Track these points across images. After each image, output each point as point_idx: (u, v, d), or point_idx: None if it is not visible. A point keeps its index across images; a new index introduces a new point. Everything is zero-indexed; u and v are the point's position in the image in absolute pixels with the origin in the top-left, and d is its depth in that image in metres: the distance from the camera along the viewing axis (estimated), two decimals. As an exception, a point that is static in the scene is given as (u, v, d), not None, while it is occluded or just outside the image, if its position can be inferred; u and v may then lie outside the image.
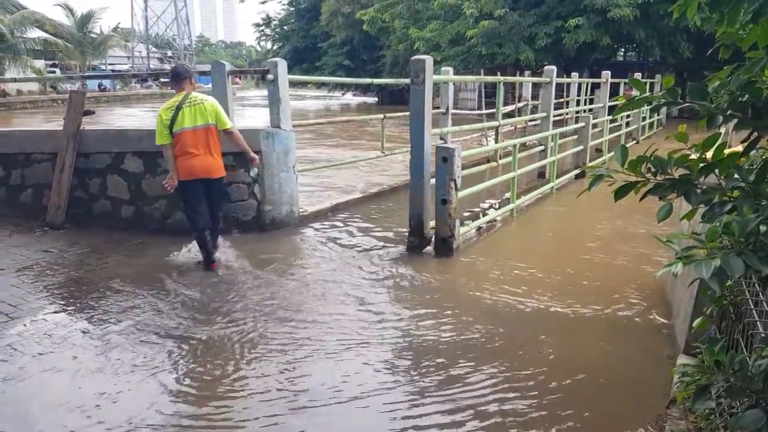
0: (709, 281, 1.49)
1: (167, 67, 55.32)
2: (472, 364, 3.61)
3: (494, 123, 9.68)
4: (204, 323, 4.21)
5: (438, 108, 10.26)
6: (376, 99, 43.77)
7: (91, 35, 45.52)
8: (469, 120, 14.09)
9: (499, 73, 16.23)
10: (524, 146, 9.68)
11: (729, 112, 1.77)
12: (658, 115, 19.03)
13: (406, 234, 6.14)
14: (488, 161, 9.99)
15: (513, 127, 14.29)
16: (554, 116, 10.56)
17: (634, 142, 15.37)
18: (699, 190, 1.77)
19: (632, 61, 31.43)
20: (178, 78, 5.36)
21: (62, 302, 4.65)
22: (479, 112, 16.25)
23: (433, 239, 5.97)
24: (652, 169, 1.78)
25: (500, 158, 9.52)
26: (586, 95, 17.56)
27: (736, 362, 1.69)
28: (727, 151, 1.77)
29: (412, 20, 30.21)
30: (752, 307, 2.00)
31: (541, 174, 9.82)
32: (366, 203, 8.31)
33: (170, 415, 3.06)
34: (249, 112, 29.87)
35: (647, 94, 1.86)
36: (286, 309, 4.47)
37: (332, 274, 5.30)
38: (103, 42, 47.11)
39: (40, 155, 6.88)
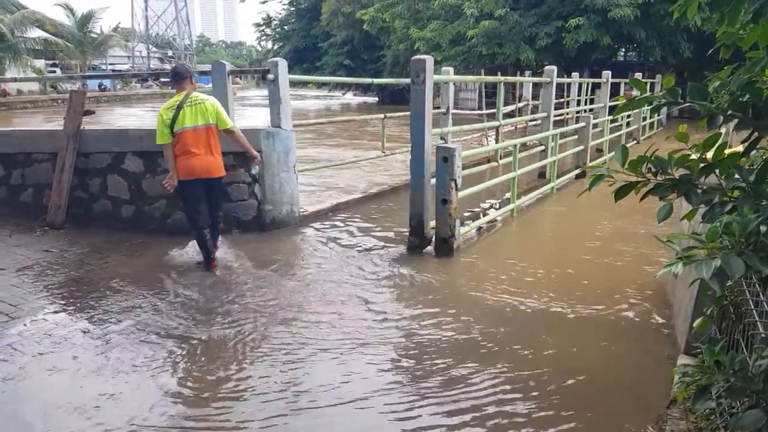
0: (709, 281, 1.49)
1: (168, 66, 55.35)
2: (473, 364, 3.61)
3: (495, 123, 9.68)
4: (204, 323, 4.21)
5: (438, 108, 10.27)
6: (377, 99, 43.76)
7: (92, 35, 45.50)
8: (469, 120, 14.09)
9: (499, 73, 16.22)
10: (525, 146, 9.68)
11: (729, 112, 1.77)
12: (659, 115, 19.03)
13: (407, 234, 6.15)
14: (489, 161, 10.00)
15: (513, 127, 14.29)
16: (555, 116, 10.55)
17: (635, 142, 15.36)
18: (699, 191, 1.77)
19: (633, 61, 31.40)
20: (179, 78, 5.36)
21: (62, 302, 4.65)
22: (480, 112, 16.25)
23: (433, 239, 5.97)
24: (653, 169, 1.78)
25: (501, 158, 9.52)
26: (586, 95, 17.55)
27: (737, 362, 1.69)
28: (727, 152, 1.77)
29: (413, 20, 30.21)
30: (752, 307, 2.00)
31: (541, 174, 9.82)
32: (366, 203, 8.31)
33: (171, 416, 3.06)
34: (249, 112, 29.88)
35: (648, 94, 1.86)
36: (287, 309, 4.47)
37: (333, 274, 5.30)
38: (104, 42, 47.10)
39: (41, 155, 6.88)
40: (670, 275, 1.64)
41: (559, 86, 13.12)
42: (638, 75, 16.44)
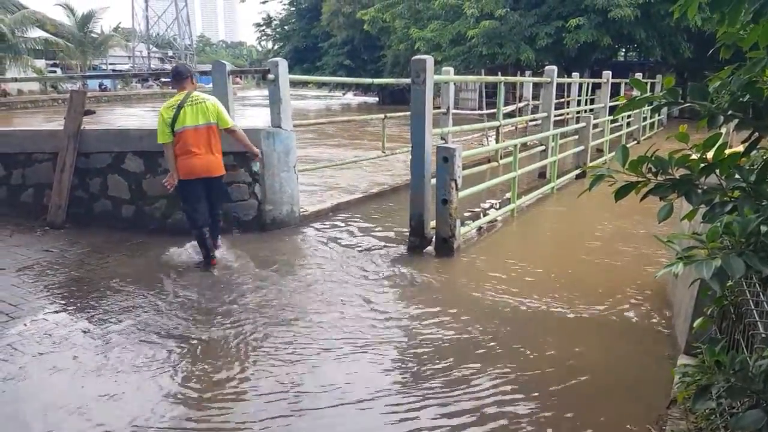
0: (709, 281, 1.49)
1: (168, 66, 55.37)
2: (474, 364, 3.61)
3: (495, 123, 9.68)
4: (205, 323, 4.21)
5: (439, 108, 10.27)
6: (377, 99, 43.75)
7: (92, 35, 45.52)
8: (469, 120, 14.09)
9: (499, 73, 16.22)
10: (525, 146, 9.68)
11: (730, 112, 1.77)
12: (659, 115, 19.03)
13: (407, 234, 6.15)
14: (489, 161, 10.00)
15: (514, 127, 14.29)
16: (555, 116, 10.55)
17: (635, 142, 15.36)
18: (700, 191, 1.77)
19: (633, 61, 31.40)
20: (180, 77, 5.38)
21: (63, 302, 4.65)
22: (480, 112, 16.25)
23: (433, 239, 5.97)
24: (653, 170, 1.78)
25: (501, 158, 9.52)
26: (586, 95, 17.56)
27: (737, 363, 1.69)
28: (728, 152, 1.77)
29: (413, 20, 30.21)
30: (753, 307, 2.00)
31: (541, 174, 9.82)
32: (367, 203, 8.31)
33: (172, 417, 3.05)
34: (250, 112, 29.89)
35: (648, 94, 1.86)
36: (288, 309, 4.48)
37: (333, 274, 5.30)
38: (104, 42, 47.12)
39: (41, 155, 6.89)
40: (671, 275, 1.64)
41: (560, 86, 13.13)
42: (638, 75, 16.43)
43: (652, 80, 18.41)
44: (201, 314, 4.37)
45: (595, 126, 11.71)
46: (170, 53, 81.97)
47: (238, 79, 57.74)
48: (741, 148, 1.85)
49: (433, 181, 5.96)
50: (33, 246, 6.03)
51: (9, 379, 3.44)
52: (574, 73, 18.17)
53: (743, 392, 1.68)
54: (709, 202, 1.77)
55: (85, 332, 4.06)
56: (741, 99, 1.77)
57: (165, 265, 5.45)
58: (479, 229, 6.80)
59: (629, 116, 15.68)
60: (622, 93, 17.40)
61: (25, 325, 4.18)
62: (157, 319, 4.26)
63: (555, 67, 10.21)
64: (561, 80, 12.95)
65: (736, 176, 1.74)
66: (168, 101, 5.30)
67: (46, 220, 6.65)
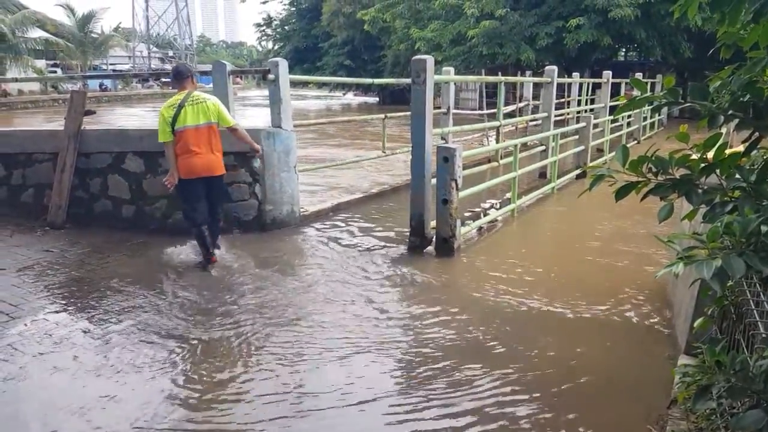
0: (710, 281, 1.49)
1: (168, 67, 55.33)
2: (475, 365, 3.60)
3: (495, 123, 9.68)
4: (206, 324, 4.21)
5: (439, 108, 10.27)
6: (377, 99, 43.75)
7: (93, 35, 45.56)
8: (470, 120, 14.10)
9: (500, 73, 16.23)
10: (525, 146, 9.68)
11: (730, 112, 1.76)
12: (659, 115, 19.03)
13: (407, 234, 6.14)
14: (489, 161, 9.99)
15: (514, 127, 14.29)
16: (555, 116, 10.55)
17: (635, 142, 15.36)
18: (700, 191, 1.76)
19: (633, 61, 31.39)
20: (180, 77, 5.39)
21: (63, 302, 4.65)
22: (480, 112, 16.26)
23: (434, 239, 5.97)
24: (653, 170, 1.78)
25: (501, 158, 9.52)
26: (587, 95, 17.56)
27: (737, 363, 1.69)
28: (728, 152, 1.77)
29: (413, 20, 30.21)
30: (753, 307, 2.00)
31: (542, 174, 9.82)
32: (367, 203, 8.31)
33: (173, 419, 3.05)
34: (250, 112, 29.89)
35: (648, 94, 1.86)
36: (289, 309, 4.47)
37: (334, 274, 5.30)
38: (105, 42, 47.16)
39: (42, 155, 6.89)
40: (671, 275, 1.64)
41: (560, 86, 13.14)
42: (639, 75, 16.43)
43: (652, 80, 18.42)
44: (201, 314, 4.37)
45: (596, 126, 11.71)
46: (171, 53, 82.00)
47: (238, 79, 57.77)
48: (741, 148, 1.85)
49: (434, 181, 5.96)
50: (33, 246, 6.04)
51: (9, 379, 3.44)
52: (574, 73, 18.17)
53: (744, 392, 1.68)
54: (710, 202, 1.77)
55: (85, 332, 4.06)
56: (741, 99, 1.77)
57: (165, 265, 5.45)
58: (479, 229, 6.80)
59: (629, 116, 15.68)
60: (622, 93, 17.39)
61: (26, 325, 4.18)
62: (158, 320, 4.26)
63: (555, 67, 10.21)
64: (561, 80, 12.95)
65: (737, 176, 1.74)
66: (169, 100, 5.31)
67: (47, 220, 6.65)
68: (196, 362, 3.65)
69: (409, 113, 6.17)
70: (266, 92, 6.93)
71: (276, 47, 49.51)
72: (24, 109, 32.95)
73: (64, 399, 3.22)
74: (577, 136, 11.07)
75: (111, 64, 57.23)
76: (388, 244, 6.21)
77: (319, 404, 3.17)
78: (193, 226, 5.34)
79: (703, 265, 1.51)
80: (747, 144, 1.84)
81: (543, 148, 9.64)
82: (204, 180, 5.31)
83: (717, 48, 2.10)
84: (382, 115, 9.19)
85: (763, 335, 1.83)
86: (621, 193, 1.81)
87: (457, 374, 3.49)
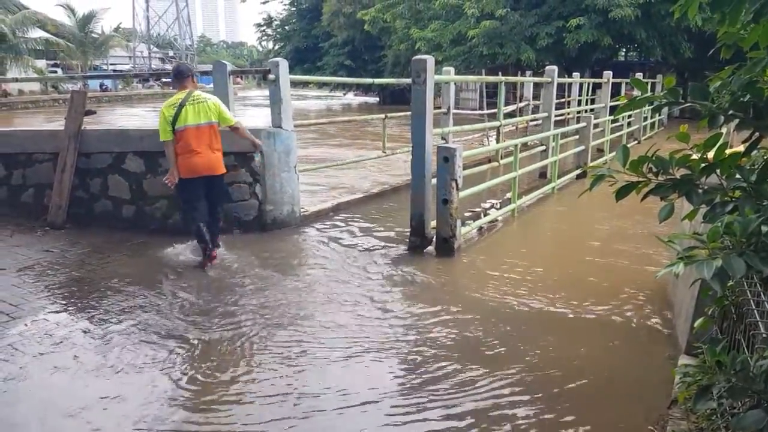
0: (710, 281, 1.49)
1: (169, 67, 55.33)
2: (476, 365, 3.60)
3: (496, 123, 9.68)
4: (206, 324, 4.21)
5: (439, 108, 10.27)
6: (378, 99, 43.75)
7: (93, 35, 45.59)
8: (470, 120, 14.09)
9: (500, 73, 16.23)
10: (526, 146, 9.68)
11: (730, 112, 1.76)
12: (660, 115, 19.03)
13: (408, 234, 6.14)
14: (489, 161, 9.98)
15: (514, 127, 14.29)
16: (556, 116, 10.56)
17: (636, 142, 15.36)
18: (700, 191, 1.76)
19: (633, 61, 31.38)
20: (181, 76, 5.41)
21: (63, 302, 4.65)
22: (481, 112, 16.27)
23: (434, 239, 5.97)
24: (654, 170, 1.78)
25: (501, 158, 9.51)
26: (587, 95, 17.55)
27: (738, 363, 1.69)
28: (728, 152, 1.77)
29: (414, 20, 30.21)
30: (754, 307, 2.00)
31: (542, 174, 9.82)
32: (368, 203, 8.31)
33: (174, 420, 3.04)
34: (251, 112, 29.89)
35: (649, 94, 1.86)
36: (289, 310, 4.47)
37: (334, 274, 5.31)
38: (105, 42, 47.19)
39: (42, 155, 6.89)
40: (671, 275, 1.64)
41: (560, 86, 13.13)
42: (639, 75, 16.43)
43: (652, 80, 18.42)
44: (202, 315, 4.37)
45: (596, 126, 11.70)
46: (171, 53, 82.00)
47: (238, 79, 57.78)
48: (742, 148, 1.85)
49: (434, 181, 5.96)
50: (33, 246, 6.04)
51: (10, 379, 3.44)
52: (574, 73, 18.17)
53: (744, 392, 1.68)
54: (710, 202, 1.76)
55: (85, 332, 4.06)
56: (741, 99, 1.77)
57: (166, 265, 5.45)
58: (480, 229, 6.80)
59: (630, 116, 15.68)
60: (622, 93, 17.40)
61: (26, 325, 4.18)
62: (158, 320, 4.26)
63: (555, 67, 10.21)
64: (561, 80, 12.95)
65: (737, 176, 1.73)
66: (169, 99, 5.33)
67: (47, 220, 6.66)
68: (197, 362, 3.64)
69: (409, 113, 6.17)
70: (267, 92, 6.93)
71: (276, 47, 49.49)
72: (24, 109, 32.97)
73: (65, 399, 3.22)
74: (577, 136, 11.07)
75: (111, 65, 57.22)
76: (388, 244, 6.21)
77: (321, 405, 3.16)
78: (192, 224, 5.35)
79: (703, 265, 1.51)
80: (747, 144, 1.84)
81: (543, 148, 9.64)
82: (204, 179, 5.32)
83: (717, 48, 2.10)
84: (383, 115, 9.19)
85: (764, 335, 1.83)
86: (621, 193, 1.81)
87: (458, 374, 3.49)
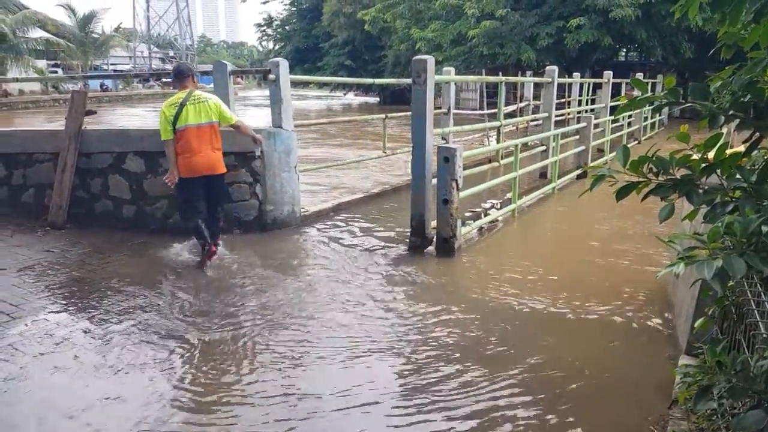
0: (710, 282, 1.49)
1: (169, 67, 55.34)
2: (477, 365, 3.60)
3: (496, 123, 9.68)
4: (207, 324, 4.21)
5: (440, 108, 10.27)
6: (378, 99, 43.75)
7: (93, 35, 45.61)
8: (470, 120, 14.09)
9: (500, 73, 16.23)
10: (526, 146, 9.67)
11: (731, 112, 1.76)
12: (660, 115, 19.01)
13: (408, 234, 6.14)
14: (490, 161, 9.98)
15: (515, 127, 14.28)
16: (556, 116, 10.56)
17: (636, 142, 15.35)
18: (701, 191, 1.76)
19: (634, 61, 31.39)
20: (181, 76, 5.43)
21: (64, 302, 4.65)
22: (481, 112, 16.26)
23: (434, 239, 5.97)
24: (654, 170, 1.78)
25: (502, 158, 9.51)
26: (587, 95, 17.55)
27: (738, 363, 1.69)
28: (729, 152, 1.77)
29: (414, 20, 30.22)
30: (754, 307, 2.00)
31: (542, 174, 9.82)
32: (368, 203, 8.31)
33: (176, 421, 3.04)
34: (251, 112, 29.89)
35: (649, 94, 1.86)
36: (290, 310, 4.47)
37: (334, 274, 5.31)
38: (105, 42, 47.21)
39: (42, 155, 6.89)
40: (672, 275, 1.64)
41: (561, 86, 13.12)
42: (639, 75, 16.42)
43: (653, 80, 18.44)
44: (202, 315, 4.37)
45: (596, 126, 11.70)
46: (171, 53, 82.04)
47: (239, 79, 57.79)
48: (742, 148, 1.85)
49: (434, 181, 5.96)
50: (34, 246, 6.04)
51: (10, 379, 3.44)
52: (575, 73, 18.16)
53: (745, 393, 1.68)
54: (711, 202, 1.76)
55: (86, 332, 4.06)
56: (742, 99, 1.77)
57: (166, 265, 5.45)
58: (480, 229, 6.80)
59: (630, 116, 15.68)
60: (623, 93, 17.39)
61: (26, 325, 4.18)
62: (158, 320, 4.26)
63: (556, 67, 10.22)
64: (562, 80, 12.95)
65: (737, 176, 1.73)
66: (170, 99, 5.35)
67: (47, 220, 6.66)
68: (197, 363, 3.64)
69: (409, 113, 6.17)
70: (267, 92, 6.93)
71: (277, 47, 49.51)
72: (25, 109, 32.98)
73: (65, 399, 3.22)
74: (577, 136, 11.06)
75: (112, 65, 57.24)
76: (388, 244, 6.21)
77: (323, 406, 3.16)
78: (190, 221, 5.36)
79: (703, 266, 1.51)
80: (748, 144, 1.84)
81: (544, 148, 9.63)
82: (204, 179, 5.33)
83: (718, 48, 2.10)
84: (383, 115, 9.19)
85: (764, 335, 1.83)
86: (622, 193, 1.81)
87: (459, 375, 3.49)
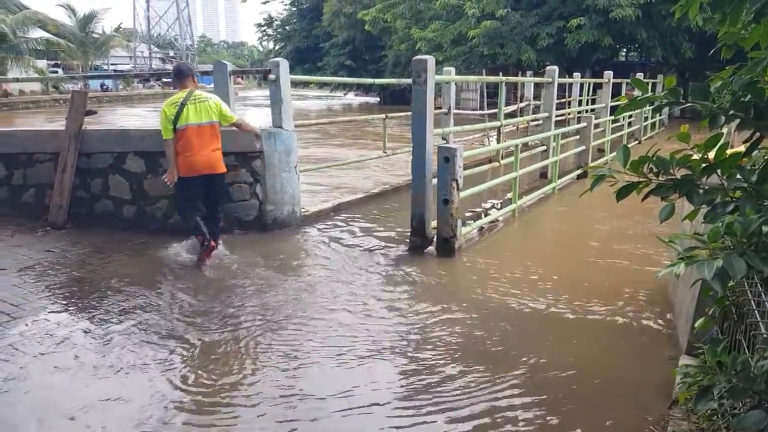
0: (711, 282, 1.49)
1: (169, 67, 55.34)
2: (477, 366, 3.60)
3: (496, 123, 9.68)
4: (207, 324, 4.21)
5: (440, 108, 10.27)
6: (378, 99, 43.74)
7: (94, 35, 45.66)
8: (471, 120, 14.09)
9: (501, 73, 16.23)
10: (526, 146, 9.67)
11: (731, 112, 1.76)
12: (661, 115, 19.01)
13: (408, 234, 6.14)
14: (490, 161, 9.97)
15: (515, 127, 14.28)
16: (556, 116, 10.55)
17: (636, 142, 15.35)
18: (701, 191, 1.76)
19: (634, 61, 31.38)
20: (181, 76, 5.45)
21: (64, 302, 4.65)
22: (481, 112, 16.25)
23: (435, 239, 5.97)
24: (654, 170, 1.77)
25: (502, 158, 9.50)
26: (588, 95, 17.54)
27: (739, 363, 1.69)
28: (729, 152, 1.77)
29: (414, 20, 30.22)
30: (754, 307, 2.00)
31: (543, 174, 9.82)
32: (368, 203, 8.31)
33: (177, 422, 3.03)
34: (251, 112, 29.88)
35: (649, 94, 1.86)
36: (290, 310, 4.47)
37: (335, 274, 5.30)
38: (106, 42, 47.25)
39: (43, 155, 6.89)
40: (672, 276, 1.64)
41: (561, 86, 13.12)
42: (640, 75, 16.39)
43: (653, 80, 18.42)
44: (203, 315, 4.37)
45: (597, 126, 11.69)
46: (172, 53, 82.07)
47: (239, 80, 57.81)
48: (742, 148, 1.85)
49: (435, 181, 5.96)
50: (34, 246, 6.04)
51: (10, 379, 3.44)
52: (575, 73, 18.15)
53: (745, 393, 1.68)
54: (711, 203, 1.76)
55: (86, 332, 4.06)
56: (742, 99, 1.77)
57: (166, 265, 5.45)
58: (480, 229, 6.80)
59: (630, 116, 15.68)
60: (623, 93, 17.38)
61: (27, 325, 4.18)
62: (159, 320, 4.26)
63: (556, 67, 10.22)
64: (562, 80, 12.94)
65: (738, 176, 1.73)
66: (170, 98, 5.36)
67: (48, 220, 6.66)
68: (198, 364, 3.64)
69: (410, 113, 6.17)
70: (267, 92, 6.94)
71: (277, 47, 49.52)
72: (25, 109, 32.99)
73: (66, 400, 3.22)
74: (578, 136, 11.06)
75: (112, 65, 57.27)
76: (389, 245, 6.21)
77: (324, 406, 3.15)
78: (189, 218, 5.37)
79: (704, 266, 1.51)
80: (748, 144, 1.84)
81: (544, 148, 9.63)
82: (204, 178, 5.34)
83: (718, 48, 2.10)
84: (383, 115, 9.20)
85: (765, 335, 1.83)
86: (622, 193, 1.81)
87: (460, 375, 3.49)
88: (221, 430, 2.98)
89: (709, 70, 17.81)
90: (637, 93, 1.92)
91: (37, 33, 36.29)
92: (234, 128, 5.87)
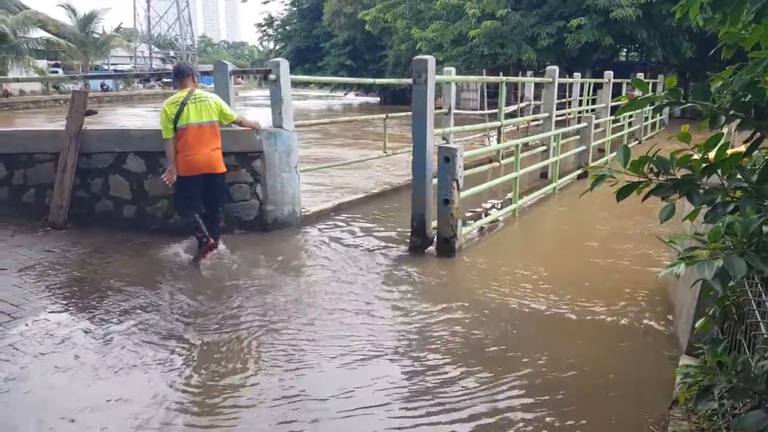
0: (711, 282, 1.49)
1: (170, 67, 55.34)
2: (478, 366, 3.60)
3: (497, 123, 9.68)
4: (208, 325, 4.21)
5: (440, 108, 10.26)
6: (379, 99, 43.75)
7: (94, 35, 45.68)
8: (471, 120, 14.08)
9: (501, 73, 16.23)
10: (527, 146, 9.66)
11: (732, 112, 1.76)
12: (661, 115, 19.00)
13: (409, 234, 6.14)
14: (490, 161, 9.96)
15: (515, 127, 14.27)
16: (557, 116, 10.55)
17: (637, 142, 15.35)
18: (702, 191, 1.76)
19: (635, 61, 31.38)
20: (182, 75, 5.47)
21: (64, 302, 4.65)
22: (482, 112, 16.24)
23: (435, 239, 5.97)
24: (655, 170, 1.77)
25: (502, 158, 9.50)
26: (588, 95, 17.53)
27: (739, 363, 1.69)
28: (729, 152, 1.76)
29: (415, 20, 30.23)
30: (755, 307, 2.00)
31: (543, 174, 9.81)
32: (369, 203, 8.31)
33: (178, 422, 3.03)
34: (252, 112, 29.83)
35: (650, 94, 1.86)
36: (291, 310, 4.47)
37: (335, 274, 5.30)
38: (106, 42, 47.27)
39: (43, 155, 6.89)
40: (672, 276, 1.64)
41: (561, 86, 13.12)
42: (640, 75, 16.40)
43: (653, 80, 18.41)
44: (203, 316, 4.37)
45: (597, 126, 11.68)
46: (172, 53, 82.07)
47: (239, 80, 57.83)
48: (743, 148, 1.85)
49: (435, 181, 5.96)
50: (35, 246, 6.04)
51: (10, 379, 3.44)
52: (575, 73, 18.14)
53: (745, 393, 1.67)
54: (711, 203, 1.76)
55: (86, 332, 4.06)
56: (743, 99, 1.77)
57: (167, 265, 5.46)
58: (481, 229, 6.79)
59: (631, 116, 15.67)
60: (623, 93, 17.36)
61: (27, 325, 4.18)
62: (159, 320, 4.26)
63: (556, 67, 10.22)
64: (562, 80, 12.93)
65: (738, 176, 1.73)
66: (171, 97, 5.37)
67: (48, 220, 6.66)
68: (198, 364, 3.64)
69: (410, 113, 6.16)
70: (268, 92, 6.94)
71: (277, 47, 49.54)
72: (26, 109, 33.01)
73: (66, 400, 3.22)
74: (578, 136, 11.05)
75: (112, 65, 57.29)
76: (389, 245, 6.21)
77: (325, 407, 3.15)
78: (187, 216, 5.38)
79: (704, 266, 1.50)
80: (748, 144, 1.84)
81: (544, 148, 9.63)
82: (204, 178, 5.35)
83: (718, 48, 2.09)
84: (384, 115, 9.20)
85: (765, 336, 1.83)
86: (622, 193, 1.80)
87: (461, 375, 3.49)
88: (222, 430, 2.98)
89: (710, 70, 17.83)
90: (637, 93, 1.92)
91: (38, 33, 36.30)
92: (236, 127, 5.89)
